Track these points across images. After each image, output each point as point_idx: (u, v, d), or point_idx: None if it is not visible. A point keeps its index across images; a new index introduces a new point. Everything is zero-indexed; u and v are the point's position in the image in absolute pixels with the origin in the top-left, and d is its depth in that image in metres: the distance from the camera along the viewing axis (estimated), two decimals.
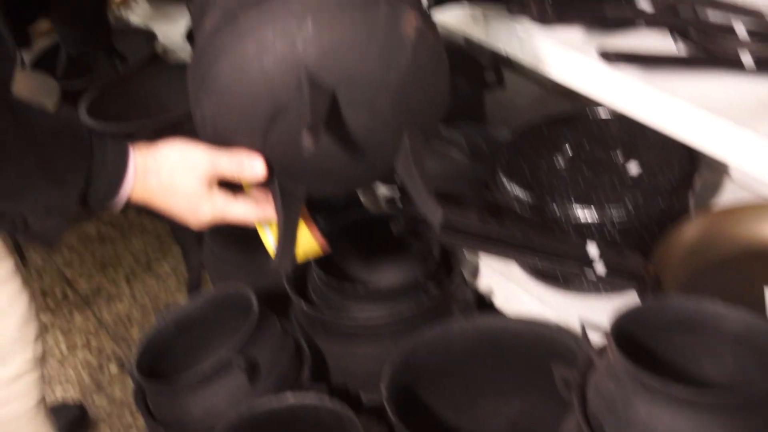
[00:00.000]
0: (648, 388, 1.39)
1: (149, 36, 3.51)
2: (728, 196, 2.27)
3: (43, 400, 2.09)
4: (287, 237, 1.56)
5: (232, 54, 1.41)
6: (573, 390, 1.54)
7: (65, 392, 2.73)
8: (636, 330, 1.55)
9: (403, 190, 2.23)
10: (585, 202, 2.00)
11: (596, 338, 1.64)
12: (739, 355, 1.56)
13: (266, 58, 1.39)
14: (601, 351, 1.52)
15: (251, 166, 1.49)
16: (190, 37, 3.31)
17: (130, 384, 2.62)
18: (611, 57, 1.68)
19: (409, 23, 1.41)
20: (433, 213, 1.48)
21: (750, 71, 1.63)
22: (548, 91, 2.74)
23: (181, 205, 1.53)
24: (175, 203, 1.53)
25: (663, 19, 1.74)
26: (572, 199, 2.01)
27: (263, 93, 1.41)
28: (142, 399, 2.07)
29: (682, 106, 1.61)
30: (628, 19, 1.77)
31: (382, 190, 2.42)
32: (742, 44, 1.64)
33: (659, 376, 1.39)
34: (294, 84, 1.38)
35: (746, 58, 1.63)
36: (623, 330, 1.51)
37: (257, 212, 1.57)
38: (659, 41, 1.75)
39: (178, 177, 1.51)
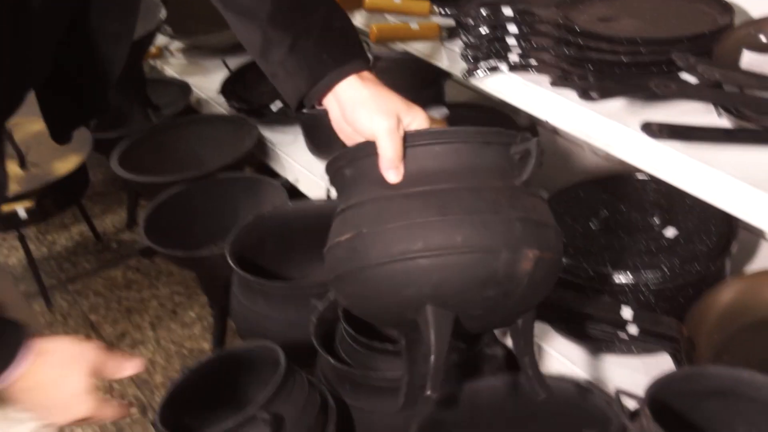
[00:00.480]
0: None
1: (184, 88, 3.55)
2: (765, 259, 2.28)
3: None
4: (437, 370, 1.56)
5: (358, 275, 1.47)
6: None
7: None
8: (670, 397, 1.56)
9: None
10: (620, 265, 2.00)
11: (629, 402, 1.63)
12: None
13: (394, 289, 1.45)
14: (634, 415, 1.51)
15: (130, 368, 1.55)
16: (224, 90, 3.34)
17: (151, 429, 2.61)
18: (654, 130, 1.68)
19: (527, 260, 1.44)
20: (535, 390, 1.54)
21: None
22: (585, 150, 2.75)
23: (60, 398, 1.53)
24: (55, 395, 1.53)
25: (707, 93, 1.74)
26: (607, 262, 2.00)
27: (390, 310, 1.50)
28: None
29: (722, 177, 1.61)
30: (677, 96, 1.76)
31: None
32: None
33: None
34: (419, 308, 1.45)
35: None
36: (657, 397, 1.51)
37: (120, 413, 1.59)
38: (701, 114, 1.75)
39: (66, 369, 1.51)
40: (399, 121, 1.52)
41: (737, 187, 1.60)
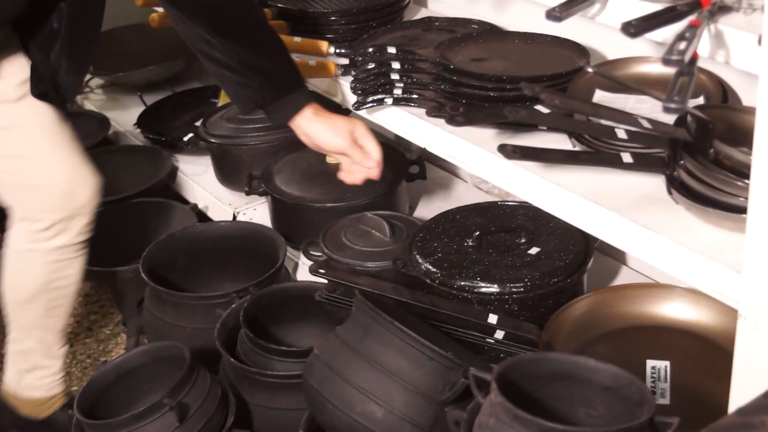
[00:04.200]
0: (520, 421, 1.63)
1: (103, 121, 3.73)
2: (623, 280, 2.54)
3: None
4: None
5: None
6: (462, 428, 1.78)
7: None
8: (518, 379, 1.79)
9: (327, 263, 2.48)
10: (488, 278, 2.25)
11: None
12: (608, 403, 1.80)
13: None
14: (486, 394, 1.75)
15: None
16: (140, 123, 3.55)
17: None
18: (508, 150, 1.94)
19: None
20: None
21: (630, 168, 1.91)
22: (469, 183, 3.01)
23: None
24: None
25: (553, 119, 2.00)
26: (477, 275, 2.25)
27: None
28: None
29: (571, 197, 1.88)
30: (526, 120, 2.02)
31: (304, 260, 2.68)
32: (624, 146, 1.91)
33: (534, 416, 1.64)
34: None
35: (626, 157, 1.90)
36: (506, 377, 1.75)
37: None
38: (557, 142, 2.02)
39: None
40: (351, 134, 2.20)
41: (581, 204, 1.87)
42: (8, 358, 2.60)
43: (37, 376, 2.56)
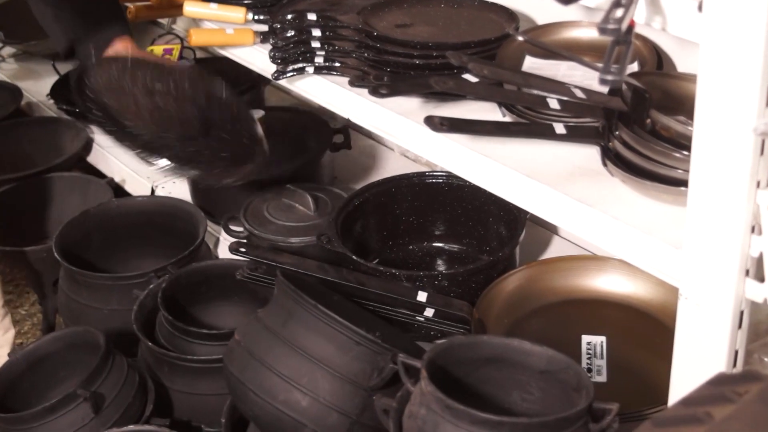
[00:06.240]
0: (452, 412, 1.56)
1: (14, 92, 3.59)
2: (556, 250, 2.47)
3: None
4: None
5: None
6: (391, 417, 1.69)
7: None
8: (449, 364, 1.71)
9: (249, 239, 2.38)
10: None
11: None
12: (543, 386, 1.74)
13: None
14: (416, 380, 1.67)
15: None
16: (54, 93, 3.41)
17: None
18: (435, 122, 1.84)
19: None
20: None
21: (563, 139, 1.83)
22: (395, 152, 2.92)
23: None
24: None
25: (482, 89, 1.91)
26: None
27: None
28: None
29: (501, 169, 1.79)
30: (453, 91, 1.93)
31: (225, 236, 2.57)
32: (556, 116, 1.83)
33: (467, 403, 1.55)
34: None
35: (559, 127, 1.82)
36: (436, 363, 1.67)
37: None
38: (487, 111, 1.94)
39: None
40: None
41: (513, 176, 1.78)
42: None
43: None
